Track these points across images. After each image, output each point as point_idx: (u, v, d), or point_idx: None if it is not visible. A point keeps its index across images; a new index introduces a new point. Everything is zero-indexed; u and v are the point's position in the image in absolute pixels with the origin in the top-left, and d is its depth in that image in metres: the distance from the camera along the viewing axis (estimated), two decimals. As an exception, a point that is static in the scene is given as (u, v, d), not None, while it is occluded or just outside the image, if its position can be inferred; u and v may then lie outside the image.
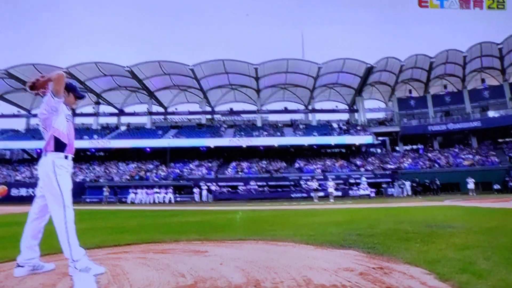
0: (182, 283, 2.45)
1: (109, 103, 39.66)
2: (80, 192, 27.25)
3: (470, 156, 32.71)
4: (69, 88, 2.93)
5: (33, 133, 35.16)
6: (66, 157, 2.81)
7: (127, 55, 67.24)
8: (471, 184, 24.56)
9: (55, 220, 2.67)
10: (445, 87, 38.11)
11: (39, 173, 2.77)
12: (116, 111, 40.48)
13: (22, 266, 2.75)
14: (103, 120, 39.82)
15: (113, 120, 40.36)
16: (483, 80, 37.11)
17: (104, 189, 26.44)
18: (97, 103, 38.80)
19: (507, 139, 35.42)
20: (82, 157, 34.09)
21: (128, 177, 30.59)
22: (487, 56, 35.37)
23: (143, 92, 37.99)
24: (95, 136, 34.61)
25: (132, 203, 25.52)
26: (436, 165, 31.87)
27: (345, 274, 2.61)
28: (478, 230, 4.88)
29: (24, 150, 37.66)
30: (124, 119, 40.57)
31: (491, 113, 35.97)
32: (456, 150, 34.62)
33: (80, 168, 32.18)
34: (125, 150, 33.64)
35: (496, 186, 26.80)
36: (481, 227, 5.22)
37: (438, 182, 27.18)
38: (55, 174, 2.70)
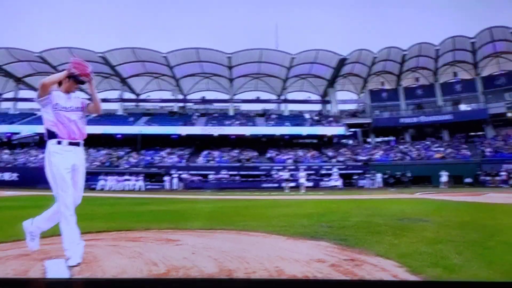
0: (155, 271, 2.44)
1: (81, 89, 39.08)
2: (50, 178, 27.18)
3: (442, 149, 33.13)
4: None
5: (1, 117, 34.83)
6: (59, 142, 2.88)
7: (100, 40, 66.17)
8: (444, 177, 24.78)
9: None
10: (417, 80, 38.36)
11: None
12: (87, 96, 39.86)
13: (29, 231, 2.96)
14: (75, 106, 39.37)
15: (84, 106, 39.86)
16: (455, 74, 37.41)
17: (73, 175, 26.31)
18: (69, 88, 38.38)
19: (479, 133, 35.90)
20: (52, 143, 33.90)
21: (98, 164, 30.56)
22: (460, 50, 35.54)
23: (115, 79, 37.62)
24: (67, 122, 34.33)
25: (102, 190, 25.50)
26: (408, 158, 32.27)
27: (317, 265, 2.64)
28: (450, 225, 4.96)
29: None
30: (96, 105, 40.12)
31: (463, 107, 36.42)
32: (428, 143, 35.00)
33: (50, 154, 32.04)
34: (96, 136, 33.42)
35: (468, 180, 26.87)
36: (453, 222, 5.31)
37: (409, 175, 27.36)
38: (49, 162, 2.82)
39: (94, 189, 25.73)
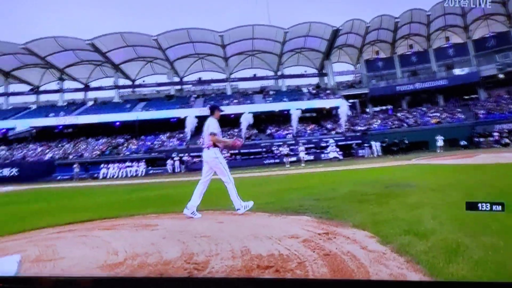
0: (110, 261, 2.38)
1: (74, 78, 38.33)
2: (49, 170, 27.03)
3: (437, 114, 33.56)
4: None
5: None
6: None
7: (87, 27, 63.78)
8: (440, 142, 25.11)
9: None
10: (411, 47, 38.40)
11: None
12: (81, 86, 39.18)
13: (187, 209, 4.13)
14: (69, 96, 38.53)
15: (79, 96, 39.05)
16: (447, 39, 37.47)
17: (74, 166, 26.18)
18: (61, 79, 37.46)
19: (472, 96, 36.32)
20: (49, 135, 33.38)
21: (99, 153, 30.34)
22: (450, 14, 35.50)
23: (108, 66, 36.89)
24: (62, 113, 33.80)
25: (104, 178, 25.39)
26: (405, 125, 32.64)
27: (288, 241, 2.63)
28: (434, 187, 5.01)
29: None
30: (91, 94, 39.37)
31: (457, 71, 36.71)
32: (424, 109, 35.41)
33: (49, 146, 31.65)
34: (94, 125, 33.05)
35: (463, 142, 27.39)
36: (438, 184, 5.30)
37: (406, 141, 27.61)
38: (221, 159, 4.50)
39: (96, 178, 25.66)
